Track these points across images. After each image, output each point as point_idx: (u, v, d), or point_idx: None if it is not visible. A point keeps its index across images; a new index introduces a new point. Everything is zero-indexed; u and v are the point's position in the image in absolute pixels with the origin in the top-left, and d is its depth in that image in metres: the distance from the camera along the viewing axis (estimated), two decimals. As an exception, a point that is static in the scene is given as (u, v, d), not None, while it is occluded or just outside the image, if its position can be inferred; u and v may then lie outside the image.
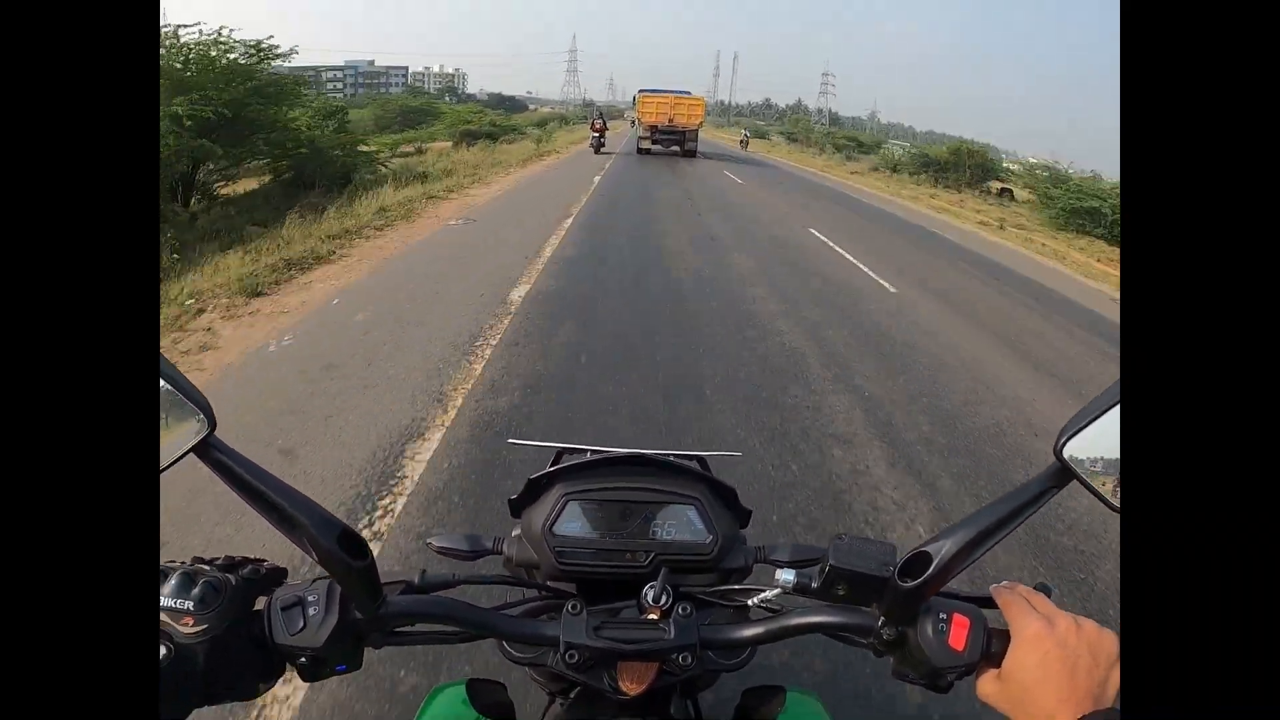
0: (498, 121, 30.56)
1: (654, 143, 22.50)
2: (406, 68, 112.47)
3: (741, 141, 36.52)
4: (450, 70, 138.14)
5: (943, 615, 0.52)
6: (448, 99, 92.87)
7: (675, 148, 22.64)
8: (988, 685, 0.50)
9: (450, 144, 20.69)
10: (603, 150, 19.36)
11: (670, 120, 22.27)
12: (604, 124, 20.81)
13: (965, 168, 22.58)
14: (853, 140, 44.28)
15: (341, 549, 0.49)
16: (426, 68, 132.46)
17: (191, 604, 0.49)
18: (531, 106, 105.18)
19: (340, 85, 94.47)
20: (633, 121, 28.01)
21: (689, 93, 24.65)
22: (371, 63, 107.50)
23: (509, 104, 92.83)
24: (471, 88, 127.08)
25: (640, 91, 23.98)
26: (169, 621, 0.47)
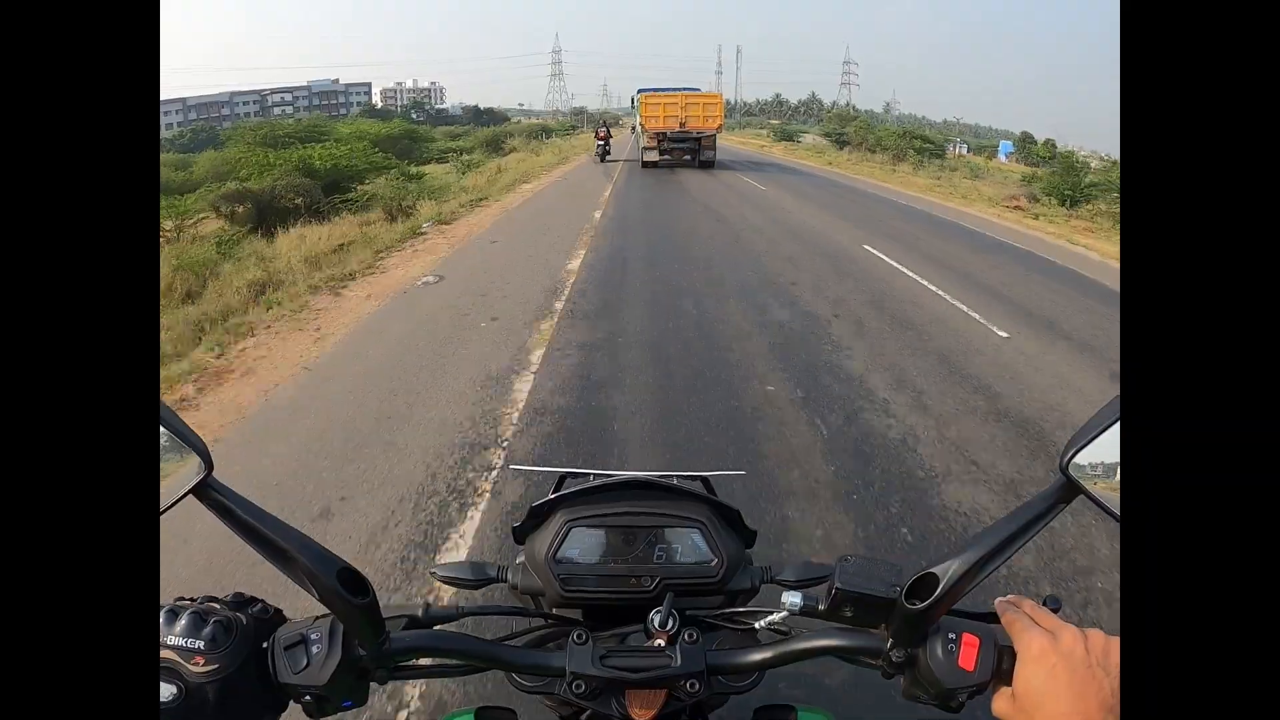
0: (410, 139, 29.43)
1: (662, 154, 20.57)
2: (369, 84, 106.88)
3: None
4: (425, 85, 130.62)
5: (952, 635, 0.55)
6: (414, 115, 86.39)
7: (688, 158, 20.91)
8: (1001, 703, 0.53)
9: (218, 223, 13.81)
10: (608, 159, 21.98)
11: (682, 124, 20.40)
12: (608, 132, 23.47)
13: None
14: (925, 141, 37.67)
15: (341, 586, 0.53)
16: (398, 83, 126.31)
17: (203, 644, 0.53)
18: (515, 118, 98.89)
19: (291, 109, 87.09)
20: (633, 129, 26.54)
21: (699, 90, 22.47)
22: (336, 81, 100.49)
23: (486, 117, 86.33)
24: (452, 101, 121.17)
25: (641, 92, 21.62)
26: (180, 661, 0.51)
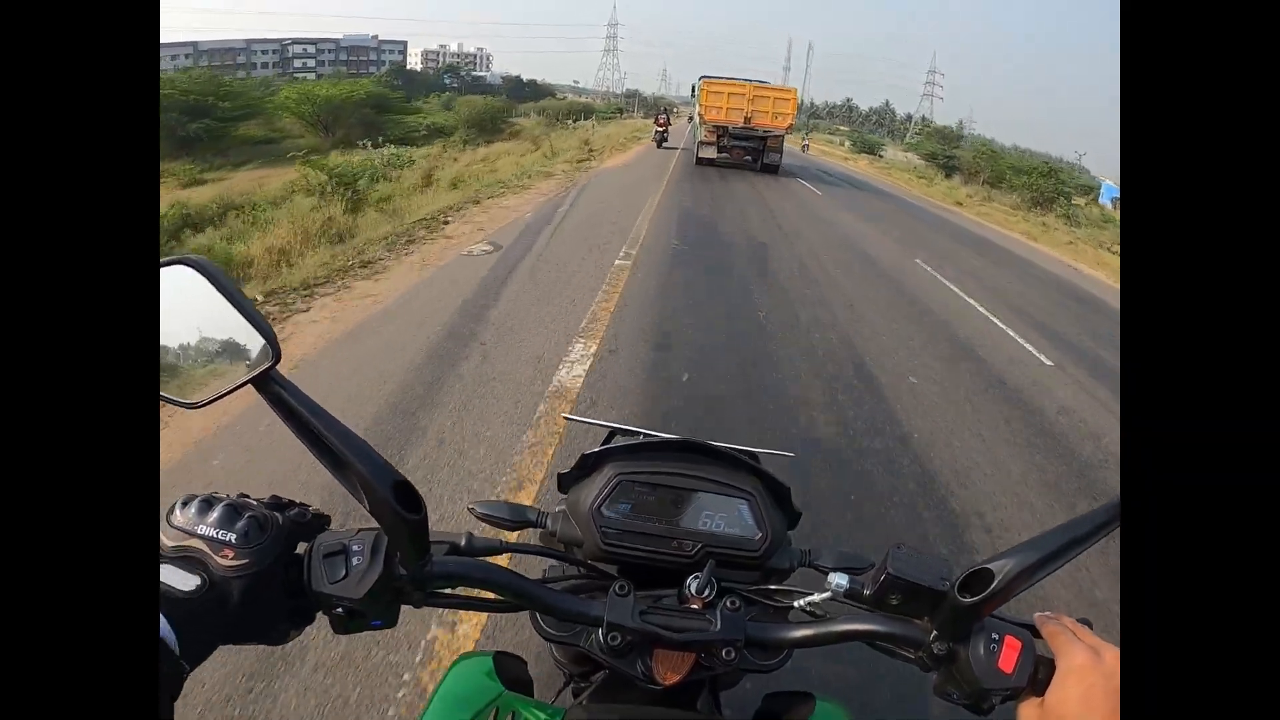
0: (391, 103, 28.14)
1: (720, 151, 18.76)
2: (405, 43, 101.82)
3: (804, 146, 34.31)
4: (471, 50, 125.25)
5: (995, 636, 0.58)
6: (447, 81, 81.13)
7: (749, 159, 19.27)
8: (1029, 712, 0.56)
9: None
10: (665, 145, 23.76)
11: (747, 119, 18.42)
12: (668, 119, 24.65)
13: None
14: (1064, 183, 29.70)
15: (395, 500, 0.54)
16: (442, 46, 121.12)
17: (234, 536, 0.54)
18: (562, 94, 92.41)
19: (316, 62, 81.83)
20: (690, 118, 25.55)
21: (768, 83, 20.30)
22: (374, 37, 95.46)
23: (529, 90, 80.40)
24: (499, 70, 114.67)
25: (704, 78, 19.19)
26: (208, 551, 0.53)
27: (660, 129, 23.96)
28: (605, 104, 73.02)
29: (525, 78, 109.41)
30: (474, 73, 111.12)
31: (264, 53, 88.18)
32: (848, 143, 59.64)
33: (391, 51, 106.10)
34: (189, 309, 0.51)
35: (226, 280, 0.51)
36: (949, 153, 44.29)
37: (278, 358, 0.52)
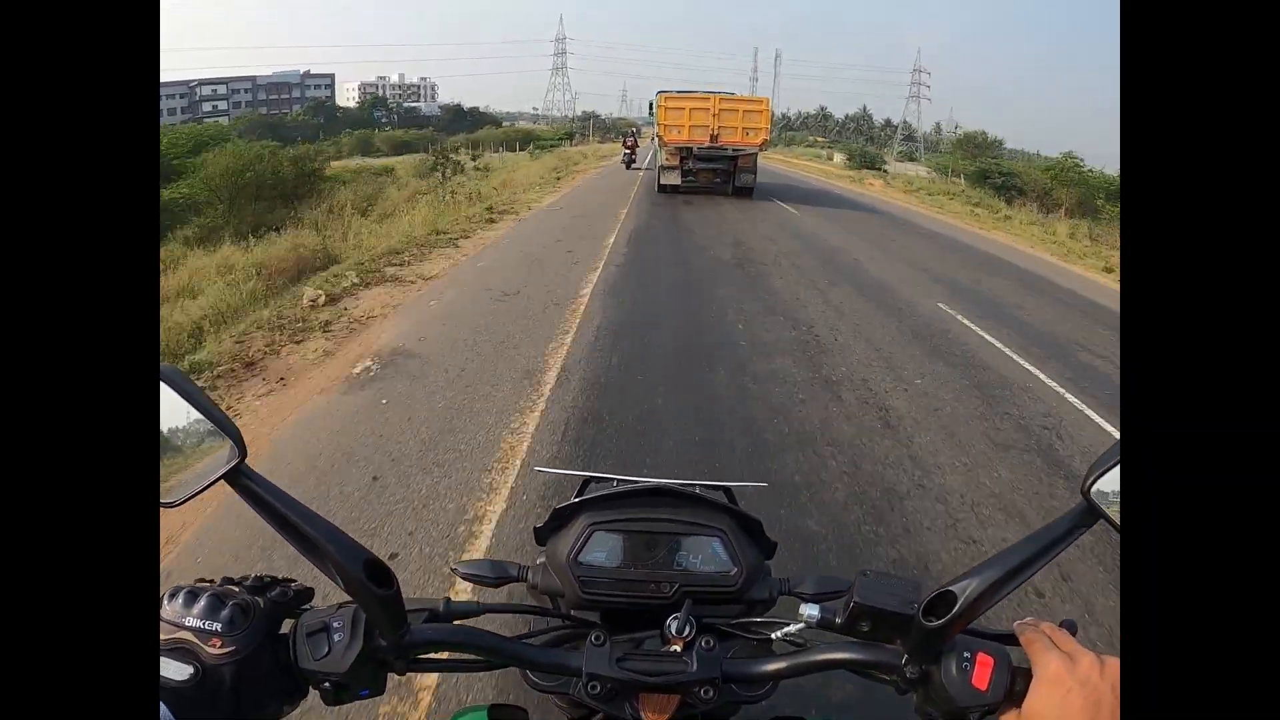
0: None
1: (685, 175, 18.04)
2: (331, 76, 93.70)
3: None
4: (415, 80, 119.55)
5: (966, 654, 0.62)
6: (376, 115, 74.75)
7: (719, 181, 18.60)
8: None
9: None
10: (634, 167, 26.58)
11: (714, 136, 17.25)
12: (635, 142, 28.64)
13: None
14: None
15: (367, 577, 0.60)
16: (381, 78, 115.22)
17: (220, 625, 0.60)
18: (509, 122, 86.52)
19: (230, 104, 74.76)
20: (653, 138, 23.37)
21: (735, 94, 19.19)
22: (307, 72, 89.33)
23: (471, 119, 74.37)
24: (446, 99, 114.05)
25: (661, 94, 18.19)
26: (197, 642, 0.59)
27: (628, 151, 27.89)
28: (551, 129, 67.12)
29: (468, 106, 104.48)
30: (408, 104, 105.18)
31: (171, 96, 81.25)
32: (837, 156, 52.94)
33: (316, 86, 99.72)
34: (160, 415, 0.57)
35: (193, 386, 0.58)
36: (1003, 169, 36.76)
37: (244, 454, 0.59)
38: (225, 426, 0.58)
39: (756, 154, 18.24)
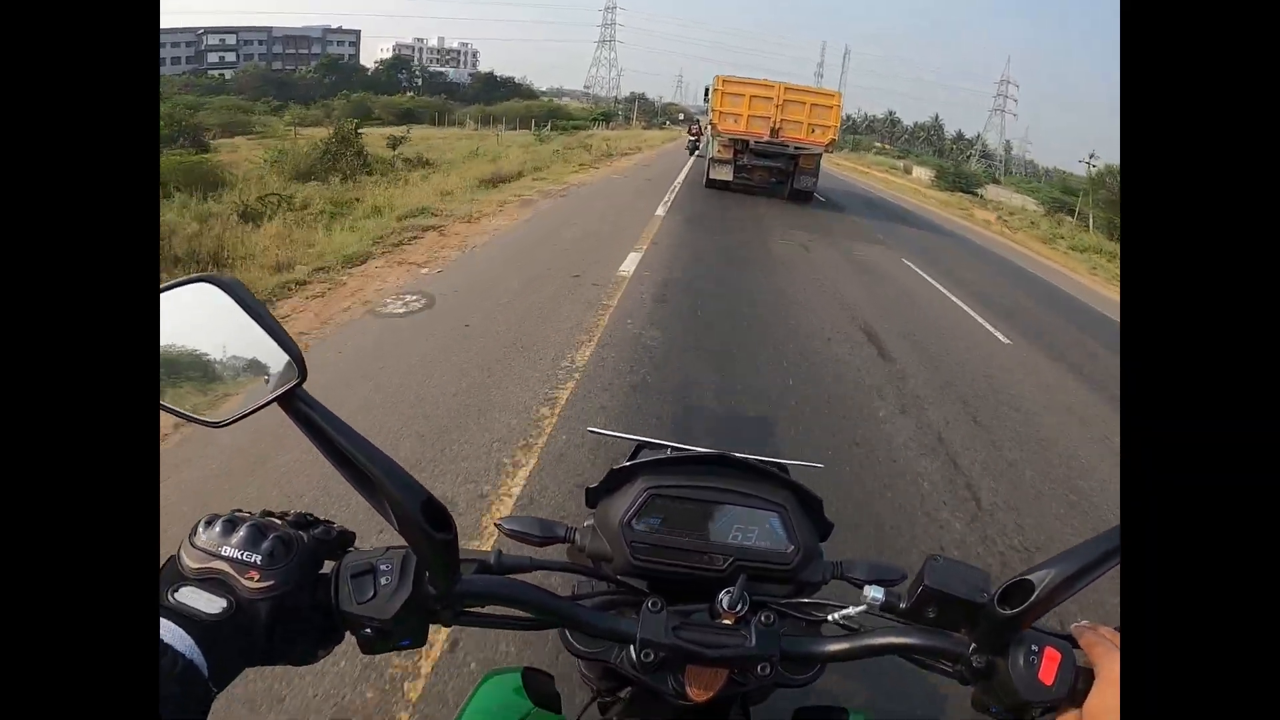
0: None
1: (738, 171, 16.43)
2: (357, 32, 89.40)
3: None
4: (454, 45, 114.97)
5: (1034, 647, 0.63)
6: (401, 79, 70.36)
7: (774, 181, 16.97)
8: None
9: None
10: (697, 153, 24.60)
11: (775, 131, 15.60)
12: (699, 129, 26.27)
13: None
14: None
15: (424, 518, 0.59)
16: (418, 39, 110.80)
17: (260, 558, 0.58)
18: (547, 97, 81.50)
19: (240, 56, 70.19)
20: (703, 128, 22.46)
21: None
22: (334, 28, 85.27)
23: (504, 90, 69.29)
24: (487, 68, 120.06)
25: (720, 78, 16.25)
26: (233, 574, 0.58)
27: (693, 138, 27.29)
28: (585, 108, 60.92)
29: (503, 76, 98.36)
30: (435, 69, 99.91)
31: (175, 44, 76.67)
32: (919, 170, 45.98)
33: (338, 42, 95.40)
34: (214, 327, 0.57)
35: (252, 298, 0.56)
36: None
37: (304, 376, 0.57)
38: (286, 344, 0.57)
39: (821, 155, 16.62)
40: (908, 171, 49.32)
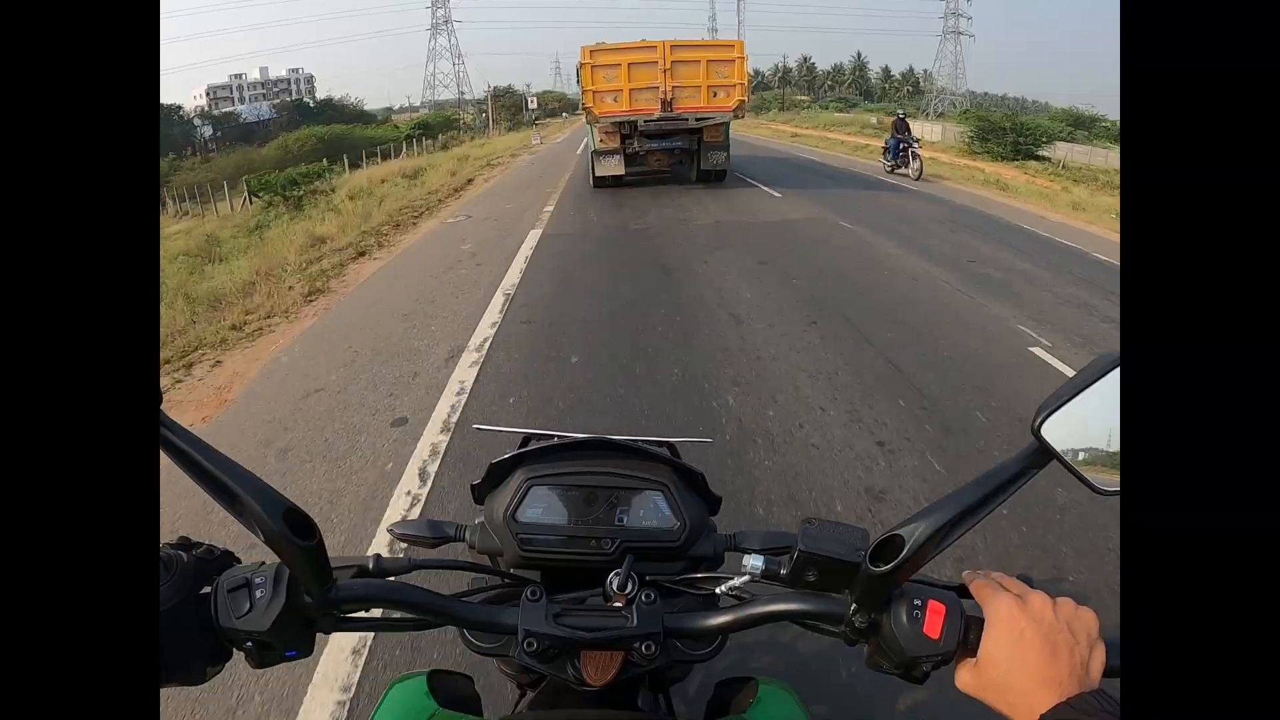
0: None
1: (630, 161, 14.91)
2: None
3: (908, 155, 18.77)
4: (282, 75, 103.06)
5: (917, 602, 0.67)
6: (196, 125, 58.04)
7: (678, 164, 15.90)
8: (965, 674, 0.64)
9: None
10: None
11: (669, 103, 13.57)
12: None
13: None
14: None
15: (287, 527, 0.63)
16: (236, 75, 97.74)
17: None
18: (381, 117, 70.66)
19: None
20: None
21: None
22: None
23: (326, 113, 76.83)
24: (323, 94, 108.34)
25: (587, 49, 14.29)
26: None
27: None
28: (405, 123, 49.51)
29: (318, 101, 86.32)
30: (225, 110, 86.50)
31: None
32: (929, 127, 35.28)
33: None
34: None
35: None
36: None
37: (158, 399, 0.66)
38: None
39: (728, 123, 15.24)
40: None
